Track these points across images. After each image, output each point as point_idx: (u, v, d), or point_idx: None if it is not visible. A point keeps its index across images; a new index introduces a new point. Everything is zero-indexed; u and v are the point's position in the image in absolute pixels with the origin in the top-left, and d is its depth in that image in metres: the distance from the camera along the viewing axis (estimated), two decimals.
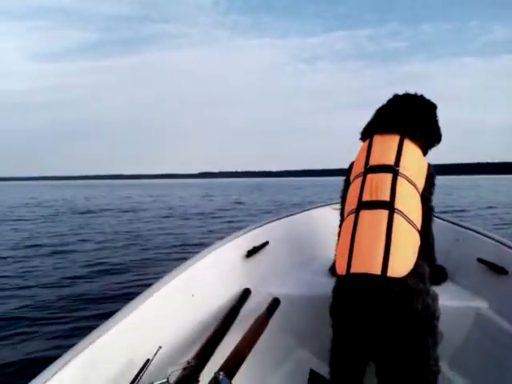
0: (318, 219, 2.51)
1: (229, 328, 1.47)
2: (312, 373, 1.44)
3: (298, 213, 2.55)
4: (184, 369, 1.14)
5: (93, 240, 10.07)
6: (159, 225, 13.35)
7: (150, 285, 1.51)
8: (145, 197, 34.05)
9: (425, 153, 1.74)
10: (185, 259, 1.73)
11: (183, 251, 8.11)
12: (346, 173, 1.81)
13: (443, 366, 1.70)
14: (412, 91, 1.80)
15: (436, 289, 1.79)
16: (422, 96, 1.79)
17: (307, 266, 2.22)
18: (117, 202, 27.11)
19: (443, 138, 1.81)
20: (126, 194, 38.52)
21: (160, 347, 1.18)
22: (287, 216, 2.44)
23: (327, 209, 2.60)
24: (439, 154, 1.87)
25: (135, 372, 1.08)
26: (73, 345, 1.15)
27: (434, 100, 1.80)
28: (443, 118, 1.82)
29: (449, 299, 1.72)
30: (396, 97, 1.79)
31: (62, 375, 1.03)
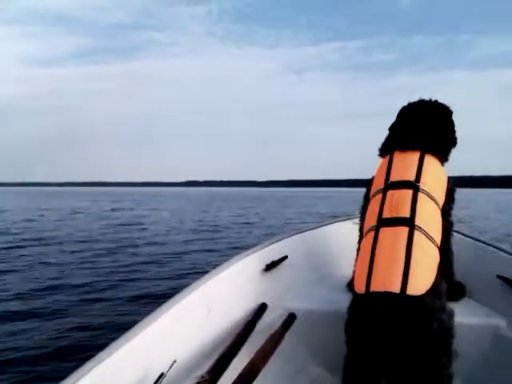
0: (339, 234, 2.53)
1: (244, 342, 1.50)
2: None
3: (318, 227, 2.58)
4: (198, 383, 1.18)
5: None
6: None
7: (167, 299, 1.52)
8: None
9: (445, 161, 1.77)
10: (203, 274, 1.75)
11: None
12: (366, 187, 1.84)
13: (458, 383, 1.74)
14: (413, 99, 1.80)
15: (454, 305, 1.80)
16: (436, 101, 1.81)
17: (326, 281, 2.25)
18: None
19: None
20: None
21: (175, 361, 1.21)
22: (307, 230, 2.47)
23: (348, 223, 2.61)
24: None
25: None
26: (87, 359, 1.16)
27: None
28: None
29: (467, 316, 1.75)
30: (411, 106, 1.80)
31: None
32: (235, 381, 1.22)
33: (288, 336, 1.65)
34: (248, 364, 1.32)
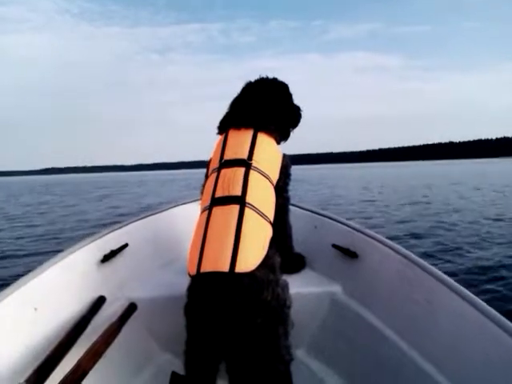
0: (184, 216, 2.49)
1: (76, 340, 1.42)
2: (173, 375, 1.47)
3: (162, 211, 2.53)
4: None
5: None
6: None
7: None
8: None
9: (283, 139, 1.86)
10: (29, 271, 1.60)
11: None
12: (206, 167, 1.82)
13: (301, 352, 1.85)
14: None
15: (295, 276, 1.95)
16: (274, 79, 1.86)
17: (170, 266, 2.22)
18: None
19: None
20: None
21: None
22: (150, 215, 2.39)
23: (194, 204, 2.58)
24: None
25: None
26: None
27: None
28: None
29: (306, 286, 1.88)
30: (249, 85, 1.84)
31: None
32: (60, 383, 1.14)
33: (129, 327, 1.61)
34: (76, 363, 1.25)
